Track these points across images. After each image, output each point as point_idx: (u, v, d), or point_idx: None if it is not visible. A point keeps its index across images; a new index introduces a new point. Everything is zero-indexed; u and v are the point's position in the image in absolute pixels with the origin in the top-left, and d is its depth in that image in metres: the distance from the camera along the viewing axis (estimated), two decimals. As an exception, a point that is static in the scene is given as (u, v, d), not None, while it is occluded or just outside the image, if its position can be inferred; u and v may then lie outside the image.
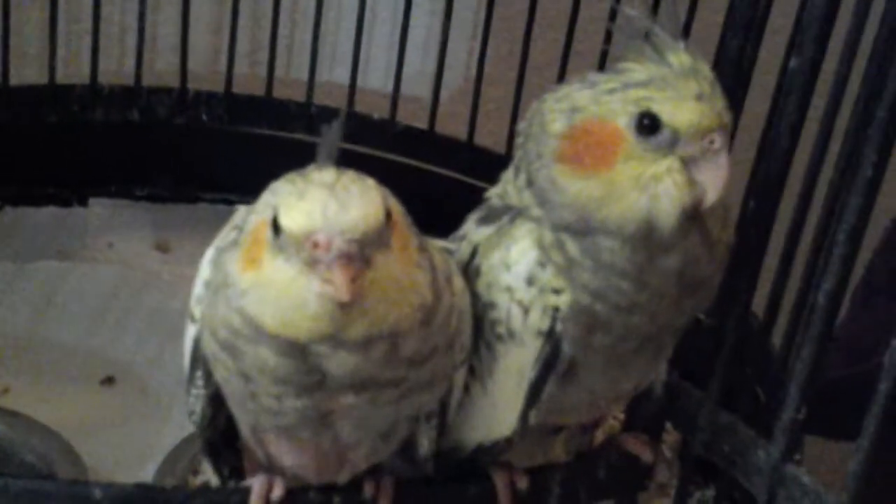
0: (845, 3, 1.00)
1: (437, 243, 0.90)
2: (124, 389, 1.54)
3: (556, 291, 0.92)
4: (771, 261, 1.09)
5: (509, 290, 0.93)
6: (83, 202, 1.83)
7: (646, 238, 0.88)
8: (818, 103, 1.03)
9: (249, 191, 0.91)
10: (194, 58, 1.83)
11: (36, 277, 1.71)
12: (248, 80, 1.87)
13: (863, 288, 1.54)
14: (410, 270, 0.86)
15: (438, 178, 1.72)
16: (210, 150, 1.84)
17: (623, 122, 0.88)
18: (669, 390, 1.06)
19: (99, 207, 1.82)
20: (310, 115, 1.81)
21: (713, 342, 1.06)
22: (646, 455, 1.08)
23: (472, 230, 0.97)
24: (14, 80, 1.76)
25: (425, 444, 0.98)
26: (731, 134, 0.90)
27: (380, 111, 1.78)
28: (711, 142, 0.87)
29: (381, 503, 0.98)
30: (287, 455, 0.95)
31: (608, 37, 1.63)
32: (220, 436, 1.02)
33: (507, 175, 0.97)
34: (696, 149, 0.87)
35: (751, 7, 1.04)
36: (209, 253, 0.94)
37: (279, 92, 1.83)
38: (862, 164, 0.89)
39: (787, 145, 0.99)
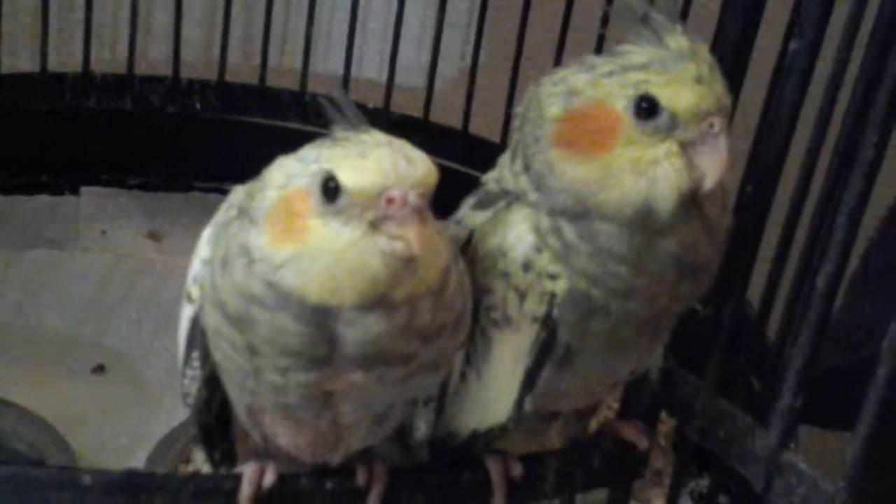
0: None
1: (437, 223, 0.89)
2: (115, 378, 1.54)
3: (553, 277, 0.91)
4: (767, 249, 1.08)
5: (506, 275, 0.93)
6: (75, 191, 1.83)
7: (643, 222, 0.88)
8: (813, 90, 1.03)
9: (242, 179, 0.91)
10: (187, 46, 1.83)
11: (28, 266, 1.71)
12: (242, 69, 1.87)
13: (858, 279, 1.54)
14: (439, 231, 0.86)
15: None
16: (203, 139, 1.84)
17: (621, 105, 0.87)
18: (665, 377, 1.06)
19: (91, 196, 1.82)
20: (303, 104, 1.81)
21: (709, 330, 1.05)
22: (641, 442, 1.07)
23: (469, 215, 0.97)
24: (6, 68, 1.76)
25: (422, 428, 0.97)
26: (730, 118, 0.89)
27: (374, 101, 1.78)
28: (710, 125, 0.86)
29: (375, 490, 0.97)
30: (283, 435, 0.95)
31: (605, 20, 1.62)
32: (214, 419, 1.01)
33: (504, 159, 0.96)
34: (694, 132, 0.86)
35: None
36: (207, 232, 0.94)
37: (273, 81, 1.83)
38: (863, 147, 0.88)
39: (787, 129, 0.99)
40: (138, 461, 1.36)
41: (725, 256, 0.96)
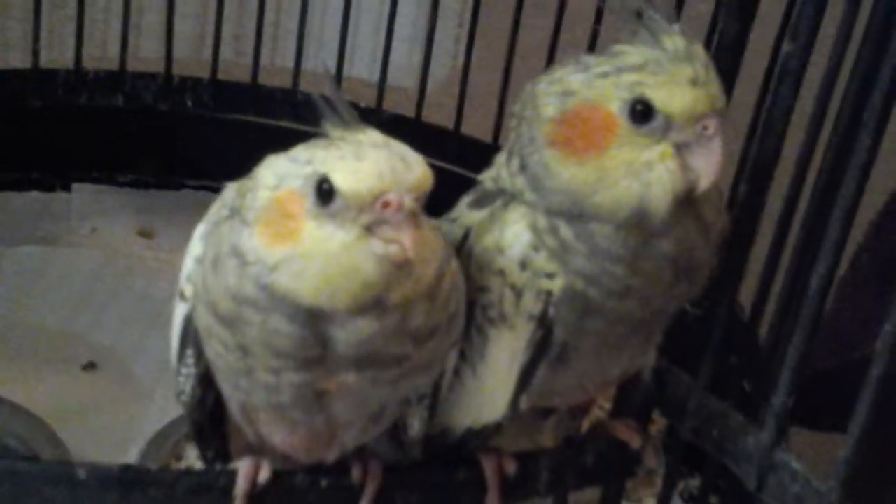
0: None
1: (431, 222, 0.89)
2: (106, 374, 1.53)
3: (550, 276, 0.91)
4: (760, 250, 1.08)
5: (502, 273, 0.93)
6: (67, 187, 1.83)
7: (639, 224, 0.88)
8: (807, 90, 1.03)
9: (234, 177, 0.91)
10: (179, 44, 1.83)
11: (19, 262, 1.70)
12: (234, 67, 1.87)
13: (848, 281, 1.54)
14: (433, 232, 0.86)
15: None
16: (195, 137, 1.83)
17: (616, 107, 0.87)
18: (658, 377, 1.06)
19: (82, 193, 1.82)
20: (295, 103, 1.81)
21: (702, 330, 1.06)
22: (634, 441, 1.07)
23: (465, 213, 0.97)
24: (-2, 65, 1.75)
25: (416, 426, 0.97)
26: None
27: (366, 100, 1.78)
28: (705, 127, 0.87)
29: (370, 487, 0.97)
30: (277, 434, 0.95)
31: (598, 17, 1.62)
32: (208, 417, 1.01)
33: (501, 158, 0.96)
34: (689, 134, 0.87)
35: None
36: (200, 229, 0.93)
37: (264, 79, 1.83)
38: (857, 149, 0.89)
39: (780, 131, 0.99)
40: (130, 457, 1.36)
41: (718, 257, 0.97)
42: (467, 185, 1.00)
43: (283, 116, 1.82)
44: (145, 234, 1.80)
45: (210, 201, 0.95)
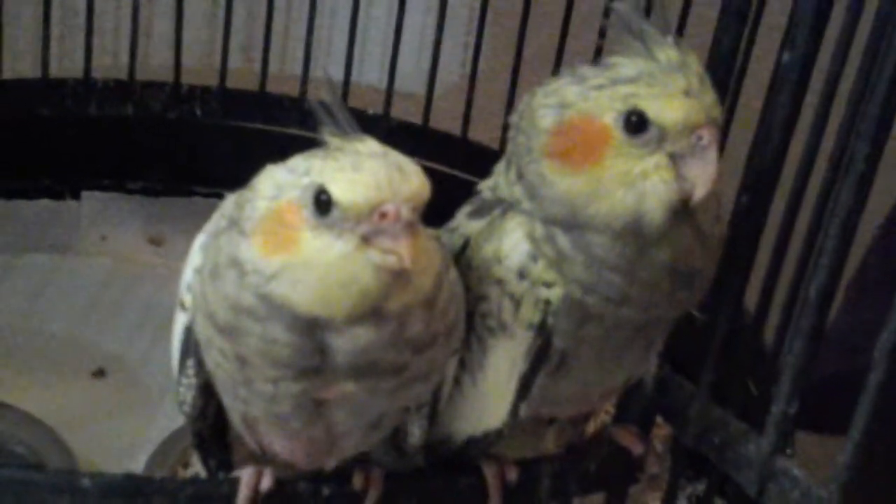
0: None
1: (430, 231, 0.90)
2: (115, 382, 1.54)
3: (548, 285, 0.92)
4: (763, 256, 1.09)
5: (501, 282, 0.93)
6: (76, 195, 1.82)
7: (635, 234, 0.88)
8: (811, 99, 1.03)
9: (243, 185, 0.91)
10: (188, 53, 1.83)
11: (28, 270, 1.71)
12: (242, 75, 1.87)
13: (855, 286, 1.54)
14: (430, 241, 0.87)
15: (433, 173, 1.70)
16: (204, 145, 1.84)
17: (610, 119, 0.88)
18: (660, 384, 1.07)
19: (92, 201, 1.82)
20: (303, 111, 1.81)
21: (704, 336, 1.06)
22: (636, 447, 1.08)
23: (464, 222, 0.97)
24: (7, 74, 1.75)
25: (416, 434, 0.98)
26: (725, 128, 0.90)
27: (374, 107, 1.78)
28: (699, 138, 0.87)
29: (372, 494, 0.98)
30: (277, 442, 0.95)
31: (602, 32, 1.63)
32: (210, 427, 1.02)
33: (499, 168, 0.97)
34: (684, 145, 0.87)
35: (744, 1, 1.04)
36: (199, 240, 0.94)
37: (273, 87, 1.83)
38: (854, 158, 0.89)
39: (780, 140, 0.99)
40: (138, 465, 1.37)
41: (721, 264, 0.97)
42: (474, 191, 1.00)
43: (291, 124, 1.82)
44: (155, 241, 1.81)
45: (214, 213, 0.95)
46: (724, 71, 1.03)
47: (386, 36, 1.88)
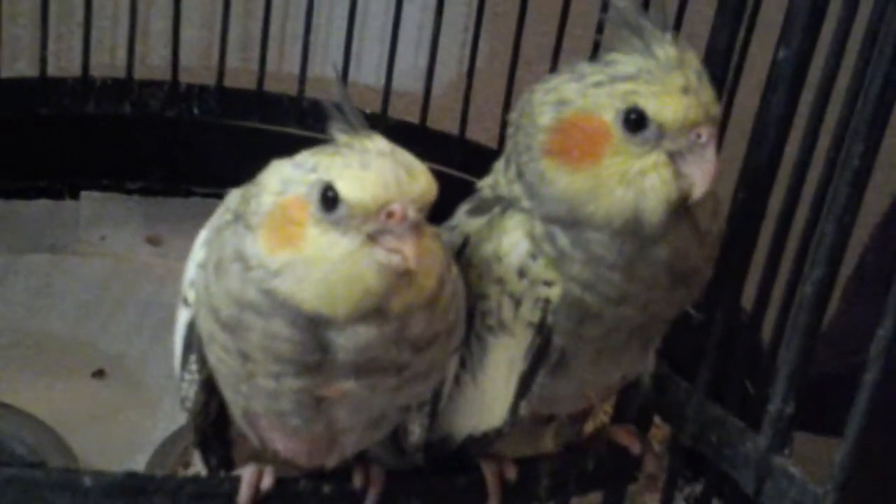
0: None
1: (432, 230, 0.90)
2: (115, 382, 1.55)
3: (548, 283, 0.92)
4: (760, 254, 1.09)
5: (501, 281, 0.93)
6: (75, 195, 1.84)
7: (634, 232, 0.88)
8: (807, 97, 1.04)
9: (241, 184, 0.91)
10: (186, 51, 1.84)
11: (28, 270, 1.72)
12: (240, 74, 1.87)
13: (853, 284, 1.55)
14: (434, 241, 0.87)
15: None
16: (202, 144, 1.84)
17: (609, 116, 0.88)
18: (658, 382, 1.07)
19: (91, 201, 1.83)
20: (301, 110, 1.82)
21: (702, 335, 1.06)
22: (634, 446, 1.08)
23: (464, 221, 0.97)
24: (5, 73, 1.77)
25: (416, 432, 0.98)
26: (723, 126, 0.90)
27: (372, 106, 1.79)
28: (698, 135, 0.87)
29: (372, 493, 0.98)
30: (278, 440, 0.96)
31: (600, 28, 1.63)
32: (212, 425, 1.02)
33: (499, 166, 0.97)
34: (682, 142, 0.87)
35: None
36: (202, 236, 0.94)
37: (271, 86, 1.84)
38: (849, 156, 0.89)
39: (775, 137, 0.99)
40: (138, 464, 1.37)
41: (718, 262, 0.97)
42: (471, 190, 1.00)
43: (289, 123, 1.83)
44: (153, 241, 1.81)
45: (218, 208, 0.95)
46: (720, 68, 1.03)
47: (383, 35, 1.89)
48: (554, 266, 0.91)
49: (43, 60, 1.75)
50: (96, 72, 1.80)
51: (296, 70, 1.83)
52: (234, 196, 0.91)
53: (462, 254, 0.95)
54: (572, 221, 0.89)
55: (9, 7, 1.76)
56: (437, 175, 0.85)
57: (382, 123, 1.76)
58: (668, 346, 1.03)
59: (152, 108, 1.82)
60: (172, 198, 1.86)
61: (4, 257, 1.72)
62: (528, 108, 0.92)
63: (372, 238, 0.82)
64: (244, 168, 0.92)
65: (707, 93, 0.87)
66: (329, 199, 0.82)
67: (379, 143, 0.84)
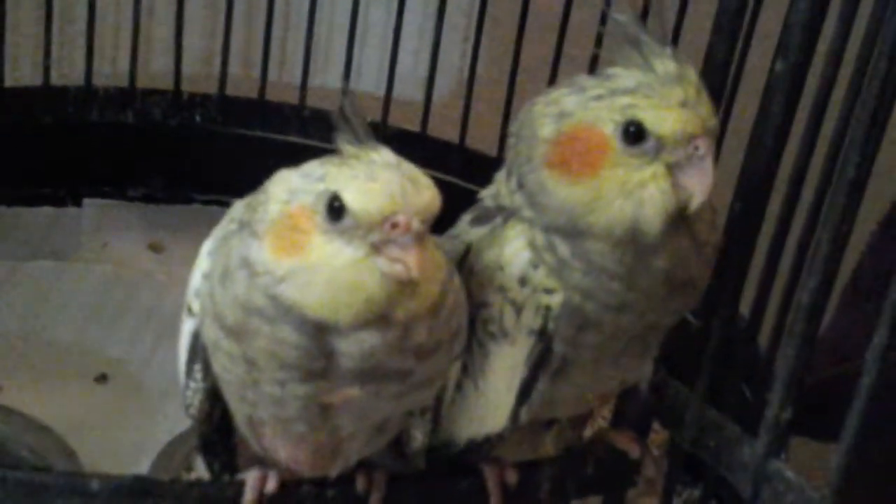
0: (832, 8, 1.01)
1: (434, 239, 0.91)
2: (118, 387, 1.55)
3: (549, 291, 0.93)
4: (758, 262, 1.10)
5: (503, 289, 0.95)
6: (77, 202, 1.84)
7: (633, 241, 0.90)
8: (804, 107, 1.05)
9: (242, 192, 0.92)
10: (188, 60, 1.84)
11: (31, 277, 1.72)
12: (242, 83, 1.88)
13: (850, 290, 1.55)
14: (437, 251, 0.88)
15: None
16: (204, 152, 1.85)
17: (609, 129, 0.89)
18: (657, 388, 1.08)
19: (93, 208, 1.84)
20: (303, 118, 1.83)
21: (700, 342, 1.07)
22: (633, 451, 1.09)
23: (466, 230, 0.99)
24: (9, 82, 1.77)
25: (419, 438, 0.99)
26: (719, 136, 0.91)
27: (372, 114, 1.79)
28: (696, 147, 0.88)
29: (374, 497, 0.99)
30: (282, 447, 0.97)
31: (599, 41, 1.64)
32: (215, 431, 1.03)
33: (500, 176, 0.98)
34: (681, 154, 0.88)
35: (738, 12, 1.05)
36: (207, 245, 0.95)
37: (272, 94, 1.85)
38: (845, 166, 0.90)
39: (772, 148, 1.00)
40: (141, 469, 1.38)
41: (716, 271, 0.98)
42: (471, 198, 1.01)
43: (290, 131, 1.84)
44: (155, 248, 1.82)
45: (219, 215, 0.96)
46: (718, 80, 1.04)
47: (384, 43, 1.89)
48: (555, 275, 0.93)
49: (46, 69, 1.76)
50: (99, 80, 1.81)
51: (297, 79, 1.84)
52: (238, 207, 0.93)
53: (464, 262, 0.97)
54: (573, 231, 0.91)
55: (12, 15, 1.77)
56: (437, 183, 0.86)
57: (383, 131, 1.76)
58: (666, 351, 1.04)
59: (155, 116, 1.83)
60: (174, 205, 1.87)
61: (7, 264, 1.73)
62: (529, 119, 0.94)
63: (376, 248, 0.83)
64: (245, 176, 0.93)
65: (705, 106, 0.89)
66: (335, 208, 0.83)
67: (385, 155, 0.86)
